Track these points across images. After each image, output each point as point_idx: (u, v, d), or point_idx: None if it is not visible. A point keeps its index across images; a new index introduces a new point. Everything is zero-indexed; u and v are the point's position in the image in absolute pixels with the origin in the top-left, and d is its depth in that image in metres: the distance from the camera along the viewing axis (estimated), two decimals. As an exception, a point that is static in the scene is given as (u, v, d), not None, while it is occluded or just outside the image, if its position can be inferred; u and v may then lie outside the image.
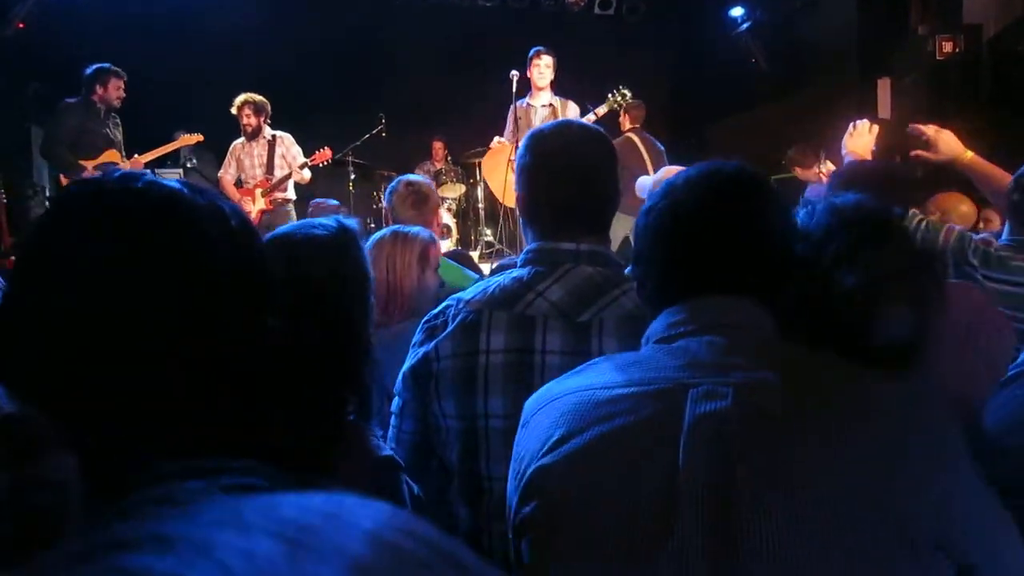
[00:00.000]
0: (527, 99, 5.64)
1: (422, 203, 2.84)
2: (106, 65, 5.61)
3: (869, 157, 2.62)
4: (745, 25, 8.01)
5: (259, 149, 5.90)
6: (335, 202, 3.07)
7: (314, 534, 0.34)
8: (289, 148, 5.92)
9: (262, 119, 5.84)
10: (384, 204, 2.95)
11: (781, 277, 1.06)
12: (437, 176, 8.15)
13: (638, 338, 1.31)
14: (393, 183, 2.97)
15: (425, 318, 1.48)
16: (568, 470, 0.93)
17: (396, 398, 1.50)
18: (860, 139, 2.65)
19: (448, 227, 7.03)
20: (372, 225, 7.69)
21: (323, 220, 1.45)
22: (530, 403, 1.08)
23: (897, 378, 0.95)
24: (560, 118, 5.29)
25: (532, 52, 5.57)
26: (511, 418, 1.33)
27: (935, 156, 2.43)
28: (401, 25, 8.52)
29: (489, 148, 6.04)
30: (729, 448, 0.85)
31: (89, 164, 5.45)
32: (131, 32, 7.71)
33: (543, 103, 5.50)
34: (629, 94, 5.59)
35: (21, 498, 0.62)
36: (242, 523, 0.34)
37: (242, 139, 5.98)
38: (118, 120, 5.73)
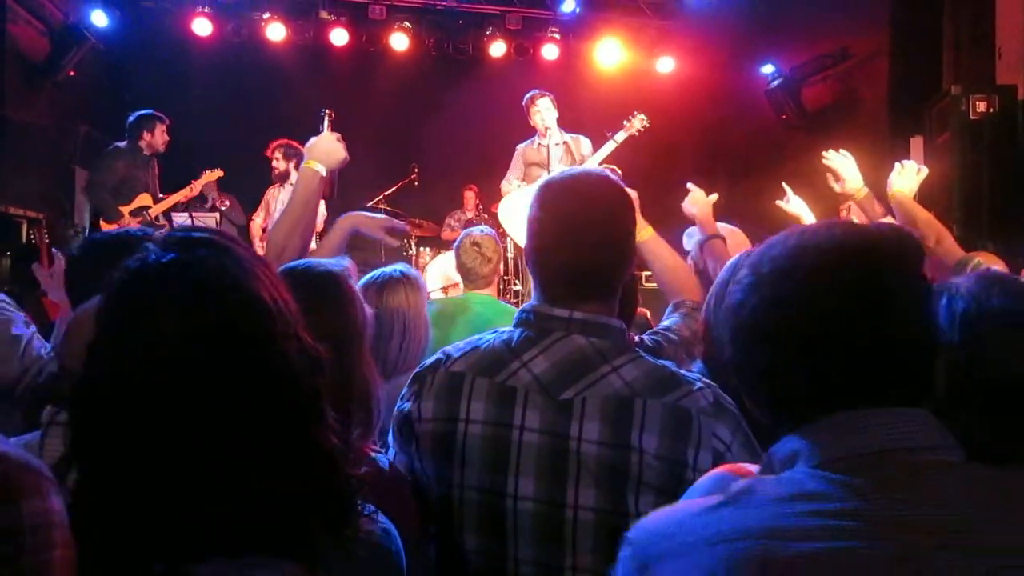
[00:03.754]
0: (536, 139, 5.51)
1: (486, 263, 2.97)
2: (150, 111, 5.80)
3: (912, 198, 2.61)
4: (776, 82, 8.07)
5: (285, 195, 5.98)
6: (489, 231, 3.22)
7: None
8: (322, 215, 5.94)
9: (292, 164, 5.91)
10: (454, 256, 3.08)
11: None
12: (468, 225, 8.23)
13: (622, 422, 1.24)
14: (461, 238, 3.07)
15: (418, 368, 1.45)
16: None
17: (390, 446, 1.48)
18: (907, 180, 2.64)
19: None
20: (401, 272, 7.75)
21: (323, 261, 1.46)
22: (647, 540, 0.83)
23: None
24: (575, 154, 5.33)
25: (526, 99, 5.45)
26: (485, 492, 1.30)
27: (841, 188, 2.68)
28: (434, 76, 8.72)
29: (501, 196, 5.84)
30: None
31: (125, 209, 5.65)
32: (173, 80, 7.99)
33: (556, 141, 5.36)
34: (646, 118, 5.43)
35: None
36: None
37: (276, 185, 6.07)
38: (155, 162, 5.90)
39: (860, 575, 0.71)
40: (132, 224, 5.62)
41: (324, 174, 2.07)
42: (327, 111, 2.38)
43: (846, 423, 0.80)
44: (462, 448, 1.32)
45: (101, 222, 5.70)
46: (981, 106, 5.12)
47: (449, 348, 1.43)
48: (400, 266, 2.10)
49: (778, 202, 3.14)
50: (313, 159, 2.08)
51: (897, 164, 2.68)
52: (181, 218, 6.16)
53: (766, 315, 0.85)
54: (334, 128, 2.26)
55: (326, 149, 2.10)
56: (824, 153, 2.72)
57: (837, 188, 2.72)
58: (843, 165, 2.70)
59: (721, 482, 0.89)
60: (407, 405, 1.40)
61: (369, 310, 1.43)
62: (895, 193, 2.62)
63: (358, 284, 2.05)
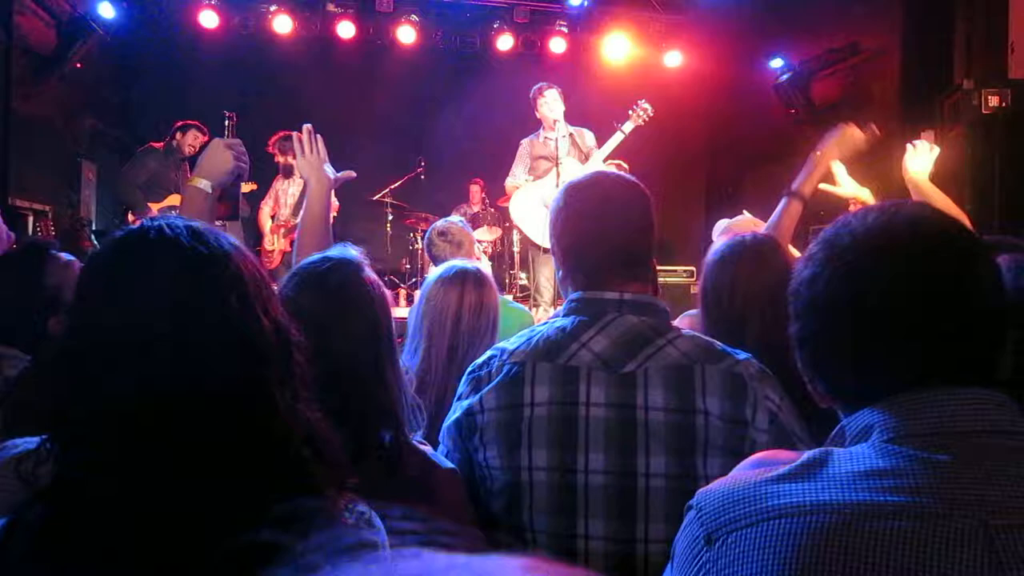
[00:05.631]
0: (542, 133, 5.50)
1: (457, 249, 2.94)
2: (189, 122, 6.16)
3: (927, 178, 2.60)
4: (785, 76, 8.00)
5: (293, 188, 6.00)
6: (458, 219, 3.27)
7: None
8: None
9: (289, 157, 5.94)
10: (424, 251, 3.11)
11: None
12: (474, 219, 8.21)
13: (685, 388, 1.31)
14: (427, 234, 3.08)
15: (470, 368, 1.49)
16: None
17: (440, 445, 1.50)
18: (921, 161, 2.61)
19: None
20: (408, 266, 7.76)
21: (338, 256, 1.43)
22: (716, 508, 0.81)
23: None
24: (581, 146, 5.38)
25: (533, 90, 5.43)
26: (555, 471, 1.34)
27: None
28: (441, 69, 8.70)
29: (506, 194, 5.95)
30: None
31: (154, 207, 5.95)
32: (180, 72, 7.98)
33: (562, 134, 5.36)
34: (650, 107, 5.41)
35: None
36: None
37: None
38: (186, 166, 6.17)
39: (938, 550, 0.70)
40: None
41: (209, 191, 1.75)
42: (228, 113, 2.05)
43: (927, 401, 0.78)
44: (528, 431, 1.36)
45: (129, 217, 5.93)
46: (993, 100, 5.06)
47: (502, 344, 1.49)
48: (475, 263, 2.12)
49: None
50: (197, 175, 1.77)
51: (909, 145, 2.68)
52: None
53: (845, 288, 0.83)
54: (237, 132, 1.99)
55: (211, 161, 1.77)
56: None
57: (838, 191, 2.69)
58: (838, 172, 2.67)
59: (766, 461, 0.88)
60: (466, 401, 1.44)
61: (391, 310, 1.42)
62: (911, 176, 2.61)
63: (435, 277, 2.07)
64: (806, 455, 0.82)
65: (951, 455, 0.75)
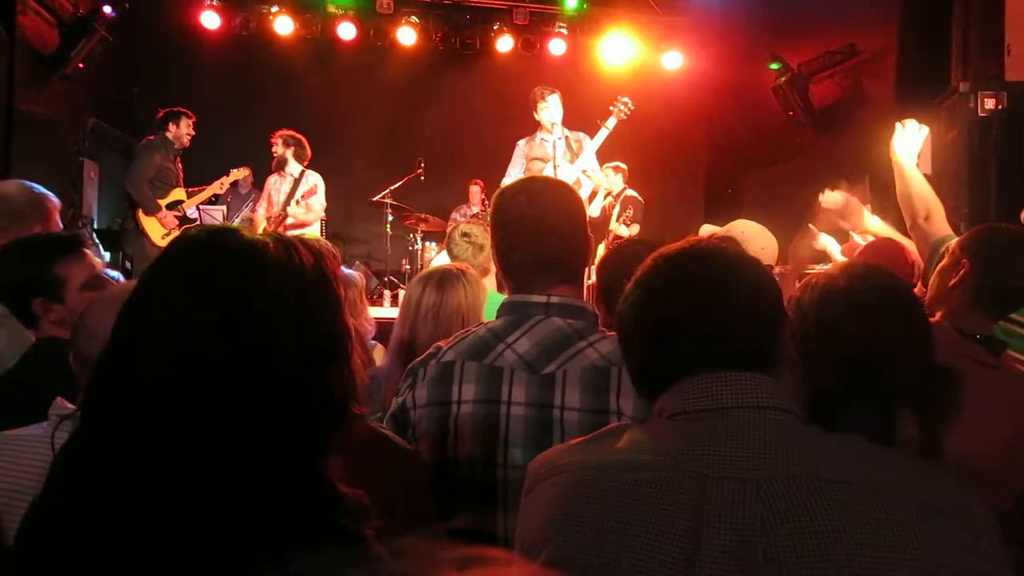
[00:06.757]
0: (538, 134, 5.48)
1: (479, 252, 2.97)
2: (176, 108, 6.11)
3: (916, 161, 2.48)
4: (783, 78, 8.04)
5: (285, 185, 5.99)
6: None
7: None
8: (312, 188, 5.93)
9: (289, 151, 5.93)
10: (445, 251, 3.14)
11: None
12: (474, 220, 8.25)
13: (601, 389, 1.38)
14: (449, 233, 3.13)
15: (410, 365, 1.56)
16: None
17: None
18: (909, 143, 2.49)
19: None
20: (407, 267, 7.78)
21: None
22: (535, 468, 1.03)
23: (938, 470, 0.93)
24: (576, 149, 5.39)
25: (534, 93, 5.39)
26: (479, 465, 1.41)
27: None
28: (440, 70, 8.73)
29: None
30: (755, 555, 0.82)
31: (162, 203, 5.95)
32: (181, 73, 8.01)
33: (558, 136, 5.35)
34: (630, 100, 5.42)
35: None
36: None
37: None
38: (180, 156, 6.18)
39: (663, 492, 0.88)
40: (168, 217, 5.93)
41: None
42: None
43: (690, 386, 0.96)
44: (455, 427, 1.42)
45: (140, 214, 5.93)
46: (989, 103, 5.09)
47: (440, 343, 1.55)
48: (457, 263, 2.16)
49: (813, 242, 3.11)
50: None
51: (898, 124, 2.54)
52: (189, 210, 6.21)
53: (631, 310, 1.03)
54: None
55: None
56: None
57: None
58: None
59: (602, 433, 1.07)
60: (401, 397, 1.51)
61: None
62: (897, 159, 2.49)
63: (415, 280, 2.16)
64: (612, 426, 1.04)
65: (705, 425, 0.92)
